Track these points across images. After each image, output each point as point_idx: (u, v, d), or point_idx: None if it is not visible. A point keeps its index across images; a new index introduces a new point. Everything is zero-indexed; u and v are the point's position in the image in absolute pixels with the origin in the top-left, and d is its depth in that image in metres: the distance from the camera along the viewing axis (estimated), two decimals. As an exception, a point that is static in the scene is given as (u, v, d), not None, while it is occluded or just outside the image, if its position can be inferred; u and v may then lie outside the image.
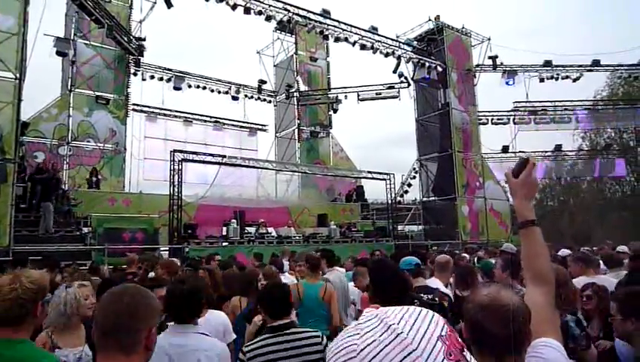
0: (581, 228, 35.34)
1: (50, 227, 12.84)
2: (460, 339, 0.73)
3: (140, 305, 1.59)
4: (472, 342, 1.40)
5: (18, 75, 11.87)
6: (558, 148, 28.43)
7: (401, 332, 0.70)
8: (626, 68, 26.96)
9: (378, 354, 0.69)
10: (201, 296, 2.97)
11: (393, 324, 0.71)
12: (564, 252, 8.27)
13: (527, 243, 1.75)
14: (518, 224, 1.81)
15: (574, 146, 31.64)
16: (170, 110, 23.51)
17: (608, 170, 29.04)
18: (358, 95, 25.01)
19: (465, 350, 0.72)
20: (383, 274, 2.95)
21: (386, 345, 0.69)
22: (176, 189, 14.31)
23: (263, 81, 25.95)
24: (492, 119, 26.62)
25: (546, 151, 28.60)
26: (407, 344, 0.68)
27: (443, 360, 0.68)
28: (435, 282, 4.79)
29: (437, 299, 3.81)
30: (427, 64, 23.30)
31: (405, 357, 0.67)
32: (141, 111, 22.22)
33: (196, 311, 2.83)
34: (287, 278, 6.73)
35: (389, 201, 19.85)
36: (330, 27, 20.76)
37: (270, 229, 16.12)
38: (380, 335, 0.70)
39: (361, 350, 0.71)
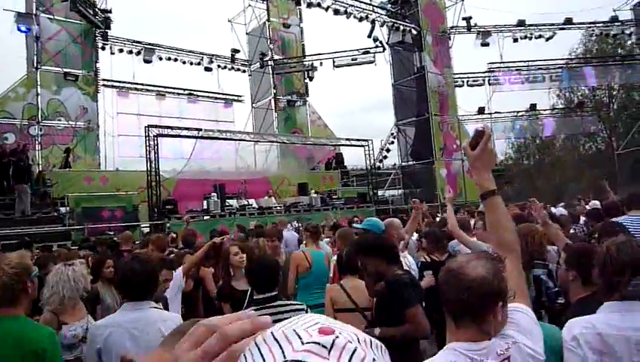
0: (557, 186, 36.11)
1: (28, 209, 12.64)
2: None
3: None
4: (441, 302, 1.53)
5: (-20, 54, 11.43)
6: (533, 107, 28.75)
7: None
8: (598, 25, 27.12)
9: None
10: (157, 273, 3.02)
11: None
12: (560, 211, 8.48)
13: (490, 213, 1.78)
14: (479, 195, 1.82)
15: (549, 105, 32.02)
16: (141, 84, 22.90)
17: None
18: (334, 61, 24.71)
19: None
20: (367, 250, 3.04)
21: None
22: (152, 165, 14.16)
23: (236, 50, 25.40)
24: (467, 81, 26.76)
25: (519, 111, 28.95)
26: None
27: None
28: None
29: None
30: (402, 27, 23.09)
31: None
32: (112, 86, 21.61)
33: (152, 288, 2.86)
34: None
35: (368, 167, 19.98)
36: (302, -8, 20.37)
37: (251, 200, 16.14)
38: None
39: None
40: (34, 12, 17.91)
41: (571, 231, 5.90)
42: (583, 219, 6.73)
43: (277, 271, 3.07)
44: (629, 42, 30.53)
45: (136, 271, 2.72)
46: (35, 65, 18.17)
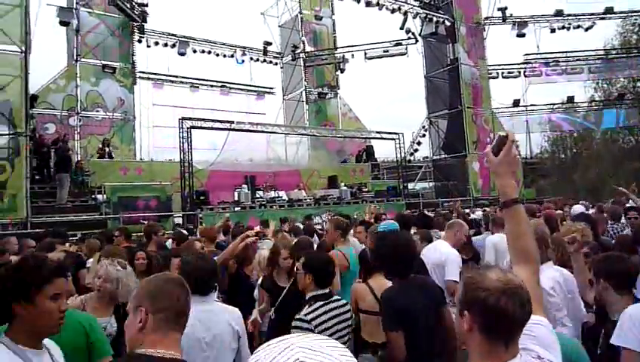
0: (594, 181, 34.95)
1: (64, 197, 13.12)
2: None
3: None
4: (484, 329, 1.33)
5: (24, 48, 11.89)
6: (571, 99, 27.98)
7: None
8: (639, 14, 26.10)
9: None
10: (219, 268, 3.30)
11: None
12: (578, 208, 8.21)
13: (512, 222, 1.69)
14: (500, 203, 1.74)
15: (586, 97, 31.02)
16: (176, 76, 23.38)
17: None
18: (365, 53, 24.52)
19: None
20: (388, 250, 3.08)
21: None
22: (186, 156, 14.45)
23: (268, 43, 25.54)
24: (502, 73, 26.19)
25: (555, 104, 28.22)
26: None
27: None
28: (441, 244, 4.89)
29: None
30: (435, 19, 22.77)
31: None
32: (148, 78, 22.13)
33: (214, 282, 3.08)
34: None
35: (399, 161, 19.87)
36: (334, -16, 20.28)
37: (281, 193, 16.28)
38: None
39: None
40: (74, 6, 18.50)
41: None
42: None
43: (334, 268, 3.26)
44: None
45: (205, 267, 2.94)
46: (75, 57, 18.79)
